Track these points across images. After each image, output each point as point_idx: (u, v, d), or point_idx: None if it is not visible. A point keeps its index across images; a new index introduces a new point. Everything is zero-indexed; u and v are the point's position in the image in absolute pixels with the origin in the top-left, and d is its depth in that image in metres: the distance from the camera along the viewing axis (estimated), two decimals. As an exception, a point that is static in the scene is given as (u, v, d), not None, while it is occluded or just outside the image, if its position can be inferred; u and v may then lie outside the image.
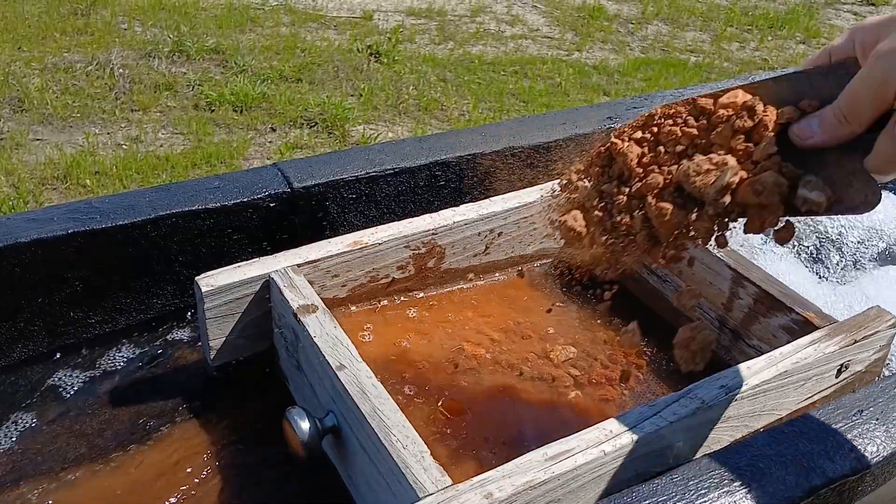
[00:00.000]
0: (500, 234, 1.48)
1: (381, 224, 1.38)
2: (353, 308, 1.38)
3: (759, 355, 1.15)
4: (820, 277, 1.69)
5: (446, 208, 1.44)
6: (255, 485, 1.17)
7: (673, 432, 1.02)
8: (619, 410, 1.05)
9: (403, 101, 3.54)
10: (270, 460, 1.21)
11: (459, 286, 1.49)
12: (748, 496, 0.90)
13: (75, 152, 2.85)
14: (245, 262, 1.26)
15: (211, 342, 1.25)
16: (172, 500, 1.14)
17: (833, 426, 1.01)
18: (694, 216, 0.88)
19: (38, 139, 2.93)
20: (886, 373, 1.30)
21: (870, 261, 1.70)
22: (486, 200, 1.48)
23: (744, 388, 1.08)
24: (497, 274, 1.53)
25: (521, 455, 0.94)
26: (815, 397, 1.20)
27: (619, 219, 0.95)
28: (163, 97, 3.32)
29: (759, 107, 0.85)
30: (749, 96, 0.86)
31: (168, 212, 1.37)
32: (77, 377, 1.34)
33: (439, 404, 1.24)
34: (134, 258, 1.37)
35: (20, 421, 1.25)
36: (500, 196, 1.49)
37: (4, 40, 3.65)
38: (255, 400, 1.32)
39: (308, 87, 3.53)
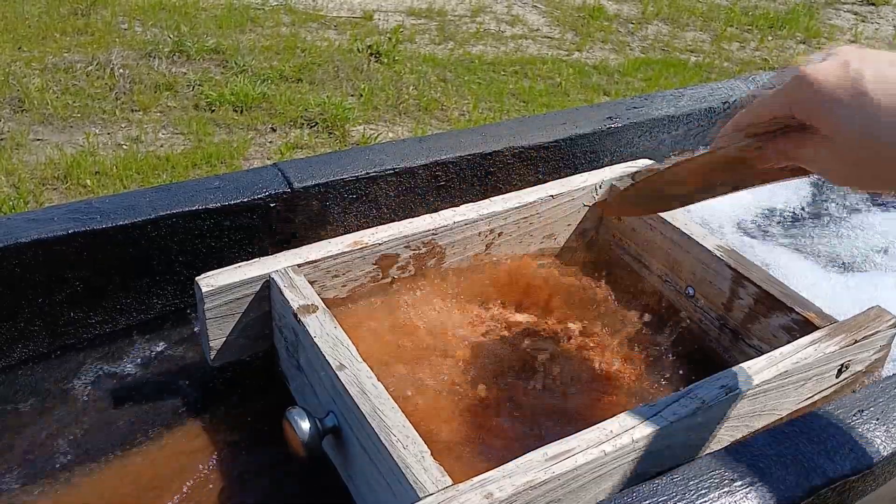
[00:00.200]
0: (500, 234, 1.48)
1: (381, 224, 1.38)
2: (354, 308, 1.38)
3: (759, 355, 1.15)
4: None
5: (446, 208, 1.44)
6: (256, 485, 1.17)
7: (673, 432, 1.02)
8: (620, 410, 1.05)
9: (403, 101, 3.54)
10: (271, 460, 1.21)
11: (460, 285, 1.49)
12: (748, 496, 0.90)
13: (75, 152, 2.85)
14: (245, 263, 1.26)
15: (211, 342, 1.25)
16: (172, 499, 1.14)
17: (833, 426, 1.01)
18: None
19: (38, 139, 2.93)
20: (886, 373, 1.30)
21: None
22: (486, 200, 1.48)
23: (744, 388, 1.08)
24: (497, 273, 1.53)
25: (522, 455, 0.94)
26: (816, 397, 1.20)
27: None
28: (163, 97, 3.33)
29: None
30: None
31: (168, 212, 1.37)
32: (77, 377, 1.34)
33: (440, 404, 1.24)
34: (134, 258, 1.37)
35: (20, 421, 1.25)
36: (500, 196, 1.49)
37: (5, 40, 3.66)
38: (255, 400, 1.32)
39: (308, 87, 3.53)
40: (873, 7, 5.51)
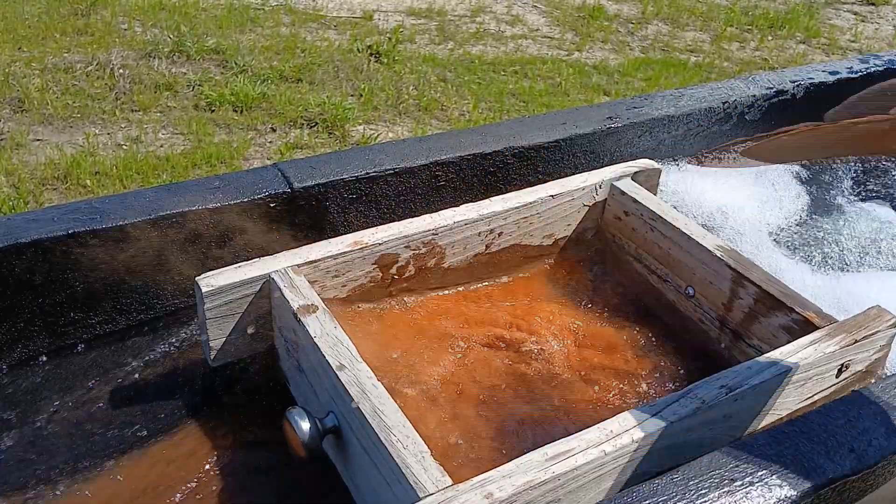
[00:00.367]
0: (500, 234, 1.48)
1: (381, 224, 1.38)
2: (354, 308, 1.38)
3: (759, 355, 1.15)
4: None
5: (446, 208, 1.44)
6: (256, 484, 1.17)
7: (673, 432, 1.02)
8: (620, 410, 1.05)
9: (403, 101, 3.53)
10: (271, 460, 1.21)
11: (460, 285, 1.48)
12: (748, 496, 0.90)
13: (75, 153, 2.85)
14: (245, 263, 1.26)
15: (211, 342, 1.25)
16: (173, 499, 1.14)
17: (833, 426, 1.01)
18: None
19: (38, 139, 2.92)
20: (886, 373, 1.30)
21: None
22: (486, 200, 1.48)
23: (744, 388, 1.08)
24: (497, 273, 1.53)
25: (522, 455, 0.94)
26: (816, 397, 1.20)
27: None
28: (163, 97, 3.32)
29: None
30: None
31: (168, 212, 1.37)
32: (77, 378, 1.33)
33: (440, 404, 1.24)
34: (134, 258, 1.37)
35: (21, 421, 1.25)
36: (500, 196, 1.49)
37: (5, 41, 3.65)
38: (255, 400, 1.32)
39: (308, 87, 3.53)
40: (873, 7, 5.50)
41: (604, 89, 3.84)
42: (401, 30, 4.25)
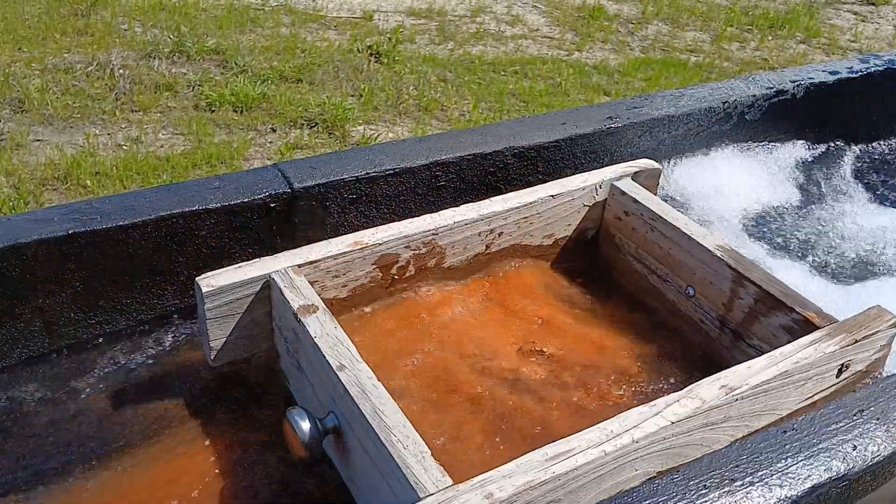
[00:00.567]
0: (500, 234, 1.48)
1: (381, 224, 1.38)
2: (354, 308, 1.38)
3: (759, 355, 1.15)
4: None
5: (446, 208, 1.44)
6: (256, 484, 1.17)
7: (673, 432, 1.02)
8: (620, 410, 1.05)
9: (403, 101, 3.53)
10: (271, 460, 1.21)
11: (459, 285, 1.48)
12: (748, 496, 0.90)
13: (76, 153, 2.85)
14: (245, 263, 1.26)
15: (211, 342, 1.25)
16: (173, 499, 1.13)
17: (833, 426, 1.01)
18: None
19: (38, 140, 2.92)
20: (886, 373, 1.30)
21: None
22: (486, 200, 1.48)
23: (744, 387, 1.08)
24: (498, 273, 1.53)
25: (522, 455, 0.94)
26: (816, 397, 1.20)
27: None
28: (163, 98, 3.32)
29: None
30: None
31: (168, 212, 1.37)
32: (77, 378, 1.33)
33: (440, 404, 1.24)
34: (134, 258, 1.37)
35: (21, 421, 1.25)
36: (500, 196, 1.49)
37: (5, 41, 3.65)
38: (255, 400, 1.32)
39: (308, 87, 3.53)
40: (873, 7, 5.50)
41: (604, 89, 3.84)
42: (401, 30, 4.25)
